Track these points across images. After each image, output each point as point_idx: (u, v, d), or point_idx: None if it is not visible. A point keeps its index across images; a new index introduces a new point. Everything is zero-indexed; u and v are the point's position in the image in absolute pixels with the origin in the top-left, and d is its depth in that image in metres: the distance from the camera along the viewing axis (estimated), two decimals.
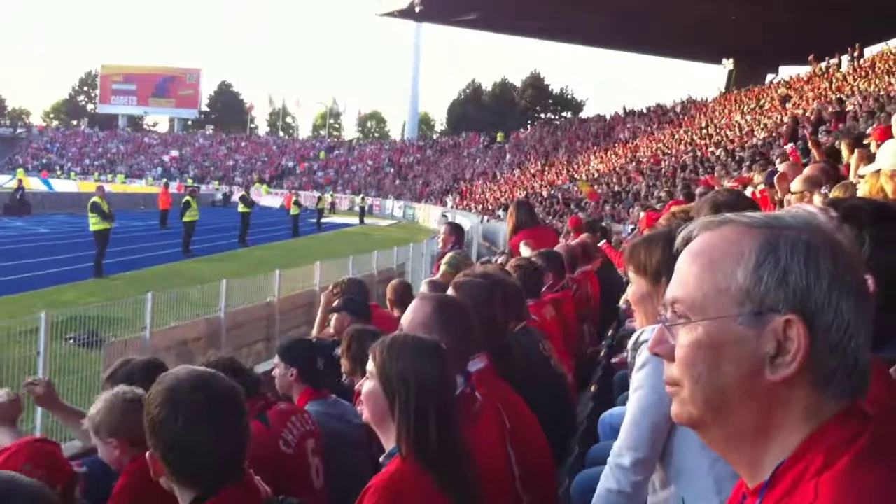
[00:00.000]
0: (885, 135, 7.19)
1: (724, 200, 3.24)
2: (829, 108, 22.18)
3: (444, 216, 40.41)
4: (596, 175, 35.98)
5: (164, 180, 50.57)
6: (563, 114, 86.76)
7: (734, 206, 3.05)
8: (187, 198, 26.56)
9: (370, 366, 2.52)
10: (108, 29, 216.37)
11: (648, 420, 2.47)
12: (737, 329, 1.07)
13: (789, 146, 12.33)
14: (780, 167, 8.20)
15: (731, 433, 1.11)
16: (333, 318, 5.95)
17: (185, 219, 25.36)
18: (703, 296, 1.10)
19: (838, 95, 25.07)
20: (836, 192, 4.59)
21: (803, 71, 40.54)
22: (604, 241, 10.13)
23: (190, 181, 63.62)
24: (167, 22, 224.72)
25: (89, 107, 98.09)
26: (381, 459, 2.49)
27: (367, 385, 2.51)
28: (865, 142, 8.76)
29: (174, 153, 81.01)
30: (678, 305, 1.12)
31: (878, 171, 4.40)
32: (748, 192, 7.02)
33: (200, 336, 10.12)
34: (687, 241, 1.16)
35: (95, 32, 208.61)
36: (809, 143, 11.58)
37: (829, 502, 0.99)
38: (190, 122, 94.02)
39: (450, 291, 3.79)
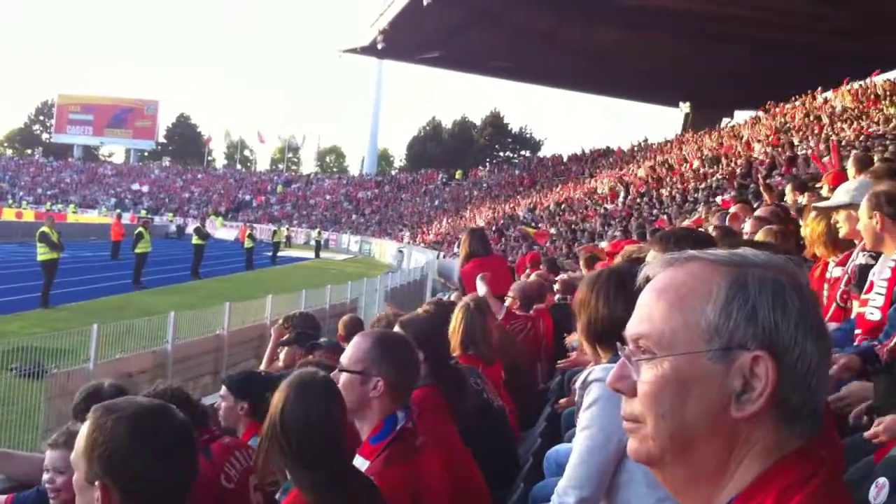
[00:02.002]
0: (839, 179, 7.33)
1: (675, 235, 3.25)
2: (782, 152, 22.59)
3: (400, 252, 40.44)
4: (552, 211, 36.19)
5: (118, 211, 50.00)
6: (522, 152, 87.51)
7: (687, 240, 3.07)
8: (140, 229, 26.26)
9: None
10: (66, 59, 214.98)
11: (595, 459, 2.46)
12: (705, 365, 1.06)
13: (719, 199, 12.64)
14: (733, 209, 8.34)
15: (691, 470, 1.09)
16: (283, 351, 5.91)
17: (137, 250, 25.05)
18: (671, 331, 1.08)
19: (791, 139, 25.57)
20: (760, 237, 4.64)
21: (757, 114, 41.42)
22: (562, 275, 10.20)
23: (144, 212, 62.90)
24: (127, 53, 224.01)
25: (44, 136, 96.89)
26: (276, 496, 2.53)
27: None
28: (818, 185, 8.93)
29: (143, 188, 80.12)
30: (643, 341, 1.11)
31: (819, 216, 4.46)
32: None
33: (146, 368, 9.97)
34: (648, 279, 1.16)
35: (53, 62, 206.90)
36: (761, 187, 11.80)
37: None
38: (146, 154, 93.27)
39: (396, 328, 3.79)
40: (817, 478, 1.04)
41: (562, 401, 5.22)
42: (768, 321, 1.05)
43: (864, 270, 3.82)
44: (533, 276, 9.63)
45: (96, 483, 2.04)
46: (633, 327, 1.13)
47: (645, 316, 1.12)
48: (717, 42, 45.16)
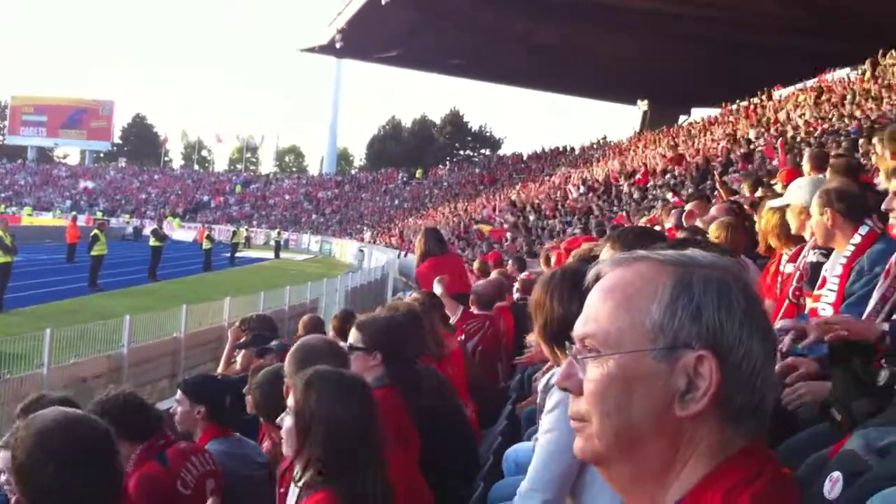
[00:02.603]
0: (793, 175, 7.43)
1: (632, 233, 3.26)
2: (738, 150, 22.88)
3: (361, 251, 40.33)
4: (514, 208, 36.30)
5: (73, 213, 49.25)
6: (482, 151, 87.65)
7: (643, 238, 3.08)
8: (95, 231, 25.87)
9: (290, 400, 2.53)
10: (20, 60, 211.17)
11: (558, 463, 2.45)
12: (649, 364, 1.07)
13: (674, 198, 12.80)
14: (689, 206, 8.41)
15: (637, 469, 1.10)
16: (240, 354, 5.87)
17: (93, 252, 24.68)
18: (617, 330, 1.09)
19: (748, 136, 25.90)
20: (714, 232, 4.69)
21: (714, 112, 41.92)
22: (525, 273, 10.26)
23: (100, 214, 61.99)
24: (81, 54, 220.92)
25: None
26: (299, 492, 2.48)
27: (287, 420, 2.50)
28: (772, 182, 9.05)
29: (88, 185, 79.06)
30: (590, 340, 1.11)
31: (774, 208, 4.51)
32: None
33: (101, 373, 9.83)
34: (598, 278, 1.16)
35: (6, 63, 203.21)
36: (717, 184, 11.93)
37: None
38: (102, 155, 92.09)
39: (353, 331, 3.77)
40: (763, 477, 1.04)
41: (521, 403, 5.26)
42: (713, 321, 1.06)
43: (815, 268, 3.87)
44: (494, 275, 9.64)
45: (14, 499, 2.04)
46: (580, 327, 1.14)
47: (592, 315, 1.12)
48: (675, 40, 45.57)
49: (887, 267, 2.91)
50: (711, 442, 1.06)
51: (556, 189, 37.17)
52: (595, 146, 52.91)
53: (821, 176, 5.18)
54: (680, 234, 5.61)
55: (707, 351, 1.05)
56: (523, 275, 9.85)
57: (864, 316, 2.91)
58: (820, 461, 2.38)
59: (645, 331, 1.07)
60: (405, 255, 33.25)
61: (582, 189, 30.80)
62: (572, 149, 56.33)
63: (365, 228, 55.92)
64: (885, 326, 2.51)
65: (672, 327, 1.06)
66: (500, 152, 77.30)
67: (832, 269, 3.59)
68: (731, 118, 35.77)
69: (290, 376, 3.07)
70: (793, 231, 4.26)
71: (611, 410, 1.08)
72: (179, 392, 4.23)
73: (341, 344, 3.83)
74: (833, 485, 2.17)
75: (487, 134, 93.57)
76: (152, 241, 29.41)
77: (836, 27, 37.83)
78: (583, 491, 2.41)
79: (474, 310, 7.25)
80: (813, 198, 3.71)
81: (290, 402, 2.55)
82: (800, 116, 25.35)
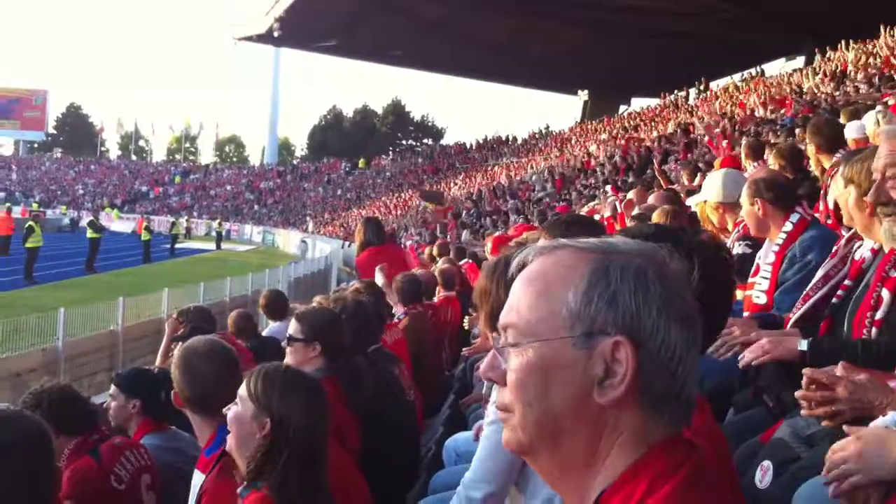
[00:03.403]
0: (732, 163, 7.56)
1: (572, 220, 3.28)
2: (680, 140, 23.18)
3: (304, 242, 40.05)
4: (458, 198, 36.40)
5: (7, 205, 48.05)
6: (425, 141, 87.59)
7: (582, 225, 3.09)
8: (30, 223, 25.36)
9: (242, 390, 2.49)
10: None
11: (503, 455, 2.43)
12: (567, 351, 1.06)
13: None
14: (630, 194, 8.52)
15: (562, 459, 1.09)
16: (178, 347, 5.77)
17: (28, 244, 24.16)
18: (537, 320, 1.08)
19: (686, 125, 26.28)
20: (656, 218, 4.76)
21: (654, 102, 42.46)
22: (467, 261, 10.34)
23: (35, 205, 60.53)
24: (12, 42, 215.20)
25: None
26: (238, 490, 2.42)
27: (234, 409, 2.46)
28: (713, 170, 9.18)
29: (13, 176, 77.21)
30: (511, 330, 1.11)
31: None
32: None
33: (36, 367, 9.64)
34: (522, 267, 1.15)
35: None
36: (656, 172, 12.11)
37: None
38: (36, 145, 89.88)
39: (293, 322, 3.75)
40: (685, 467, 1.04)
41: (465, 399, 5.28)
42: (629, 307, 1.05)
43: (742, 259, 3.92)
44: (441, 264, 9.63)
45: None
46: (503, 317, 1.13)
47: (514, 305, 1.12)
48: (614, 30, 46.09)
49: (835, 248, 2.97)
50: (634, 430, 1.06)
51: (495, 178, 37.27)
52: (538, 136, 53.20)
53: (730, 169, 5.27)
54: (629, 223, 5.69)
55: (623, 336, 1.05)
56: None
57: (805, 292, 2.97)
58: (752, 448, 2.42)
59: (562, 319, 1.07)
60: (349, 245, 33.12)
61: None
62: (515, 138, 56.57)
63: (308, 219, 55.52)
64: (805, 346, 2.55)
65: (588, 314, 1.06)
66: (443, 142, 77.36)
67: (765, 257, 3.65)
68: (670, 108, 36.27)
69: (175, 383, 3.09)
70: (715, 224, 4.32)
71: (531, 400, 1.08)
72: (113, 386, 4.16)
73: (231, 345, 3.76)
74: (764, 473, 2.21)
75: (430, 124, 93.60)
76: (90, 233, 28.88)
77: (769, 19, 38.58)
78: (526, 481, 2.41)
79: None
80: (727, 191, 3.77)
81: (240, 392, 2.53)
82: (736, 106, 25.79)
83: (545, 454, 1.10)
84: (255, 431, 2.42)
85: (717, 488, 1.10)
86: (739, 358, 2.64)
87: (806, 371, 2.07)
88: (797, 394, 2.05)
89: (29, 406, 3.35)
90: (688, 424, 1.09)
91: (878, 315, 2.48)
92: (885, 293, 2.47)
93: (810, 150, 5.61)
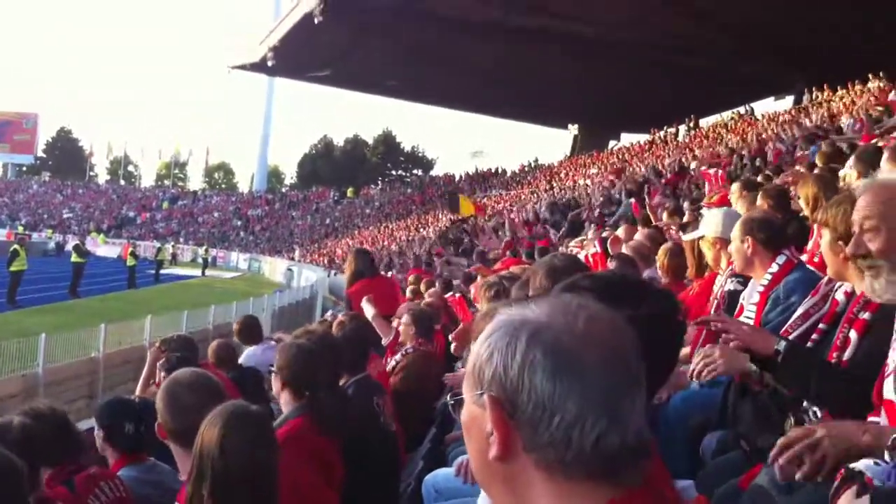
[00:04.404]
0: (725, 200, 7.59)
1: (560, 265, 3.27)
2: (674, 177, 23.22)
3: (290, 270, 39.96)
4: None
5: None
6: (414, 171, 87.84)
7: (569, 271, 3.08)
8: (15, 246, 25.26)
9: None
10: None
11: None
12: (475, 409, 1.13)
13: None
14: (618, 231, 8.54)
15: None
16: (160, 375, 5.72)
17: (13, 268, 24.07)
18: (468, 378, 1.16)
19: (678, 160, 26.39)
20: (660, 257, 4.77)
21: (643, 138, 42.72)
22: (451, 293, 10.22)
23: (21, 228, 60.26)
24: (3, 65, 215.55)
25: None
26: None
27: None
28: (702, 204, 9.23)
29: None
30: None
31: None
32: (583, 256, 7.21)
33: (15, 393, 9.54)
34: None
35: None
36: (648, 209, 12.15)
37: None
38: (25, 168, 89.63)
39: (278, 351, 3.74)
40: None
41: (449, 436, 5.23)
42: (498, 364, 1.09)
43: (733, 296, 3.93)
44: (428, 297, 9.53)
45: None
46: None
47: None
48: (604, 65, 46.29)
49: (817, 286, 2.98)
50: (551, 488, 1.08)
51: (483, 210, 37.31)
52: (527, 169, 53.39)
53: (731, 209, 5.31)
54: (611, 263, 5.70)
55: (493, 394, 1.09)
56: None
57: (784, 329, 2.96)
58: (731, 490, 2.41)
59: (474, 377, 1.13)
60: (335, 274, 33.07)
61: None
62: (504, 171, 56.77)
63: (295, 247, 55.40)
64: (781, 347, 2.55)
65: (482, 373, 1.11)
66: (433, 173, 77.58)
67: (749, 297, 3.65)
68: (658, 144, 36.51)
69: (159, 414, 3.09)
70: (709, 261, 4.33)
71: (470, 451, 1.16)
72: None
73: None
74: None
75: (420, 154, 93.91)
76: (74, 258, 28.82)
77: (759, 52, 38.91)
78: None
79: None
80: (723, 227, 3.79)
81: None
82: (725, 145, 25.95)
83: (494, 501, 1.17)
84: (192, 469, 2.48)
85: None
86: (692, 370, 2.64)
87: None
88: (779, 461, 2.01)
89: (29, 415, 3.41)
90: (620, 480, 1.08)
91: (846, 356, 2.50)
92: (853, 334, 2.49)
93: (851, 175, 5.50)
